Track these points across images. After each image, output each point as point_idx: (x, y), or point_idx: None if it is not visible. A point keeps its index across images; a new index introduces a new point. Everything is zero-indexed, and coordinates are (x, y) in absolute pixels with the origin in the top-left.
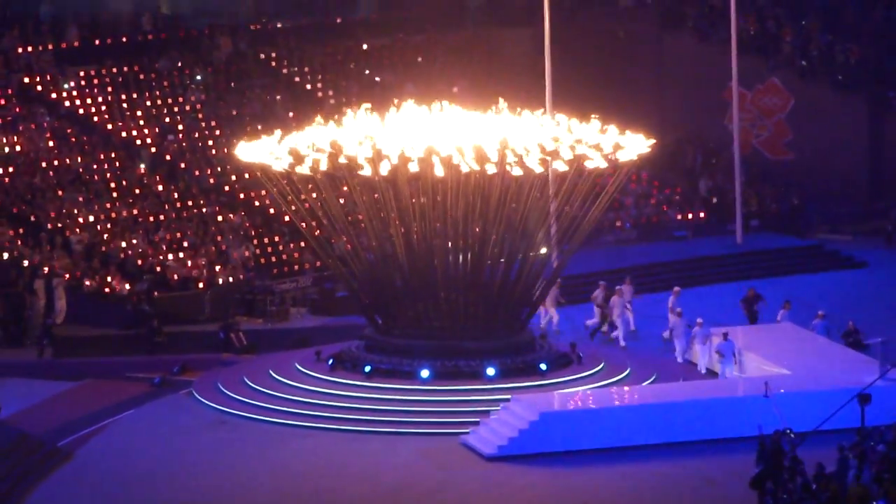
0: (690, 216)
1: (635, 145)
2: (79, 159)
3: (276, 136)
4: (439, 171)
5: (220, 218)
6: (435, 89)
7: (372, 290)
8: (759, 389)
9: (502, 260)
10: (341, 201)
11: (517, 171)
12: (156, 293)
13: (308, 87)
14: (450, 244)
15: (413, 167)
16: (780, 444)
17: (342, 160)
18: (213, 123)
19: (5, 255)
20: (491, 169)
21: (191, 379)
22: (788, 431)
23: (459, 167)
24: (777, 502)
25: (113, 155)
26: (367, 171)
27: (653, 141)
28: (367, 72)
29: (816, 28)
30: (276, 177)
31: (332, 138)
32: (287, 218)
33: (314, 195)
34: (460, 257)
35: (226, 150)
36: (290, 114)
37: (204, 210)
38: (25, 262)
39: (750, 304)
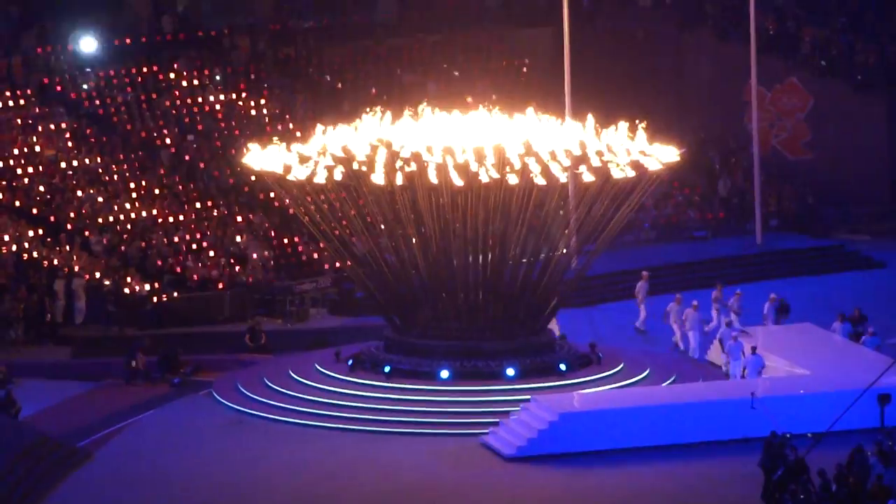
0: (710, 216)
1: (663, 154)
2: (98, 160)
3: (286, 146)
4: (458, 181)
5: (239, 218)
6: (455, 89)
7: (390, 292)
8: (779, 390)
9: (524, 261)
10: (360, 202)
11: (540, 181)
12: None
13: (328, 86)
14: (469, 245)
15: (431, 175)
16: (783, 450)
17: (355, 167)
18: (232, 123)
19: (25, 256)
20: (513, 179)
21: (208, 379)
22: (788, 436)
23: (479, 176)
24: (796, 502)
25: (132, 155)
26: (381, 180)
27: (681, 150)
28: (398, 71)
29: (838, 27)
30: (289, 185)
31: (344, 145)
32: (307, 218)
33: (332, 195)
34: (480, 258)
35: (245, 150)
36: (310, 114)
37: (223, 210)
38: (45, 263)
39: (854, 323)
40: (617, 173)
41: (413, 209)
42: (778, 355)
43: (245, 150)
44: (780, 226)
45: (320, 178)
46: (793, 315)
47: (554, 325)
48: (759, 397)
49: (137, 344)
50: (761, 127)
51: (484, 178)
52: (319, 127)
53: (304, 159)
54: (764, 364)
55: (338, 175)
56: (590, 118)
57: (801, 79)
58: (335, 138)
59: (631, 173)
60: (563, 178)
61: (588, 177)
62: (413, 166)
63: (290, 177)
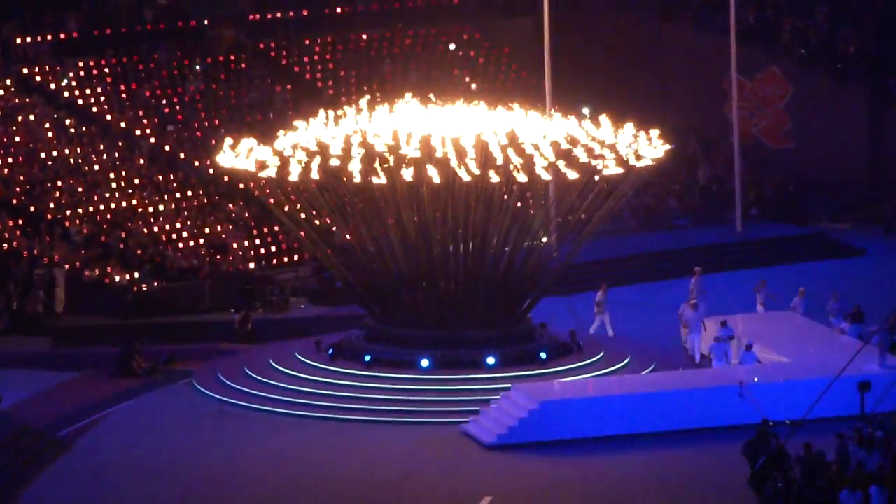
0: (690, 205)
1: (650, 150)
2: (78, 150)
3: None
4: (436, 179)
5: (219, 208)
6: (435, 80)
7: (370, 281)
8: (759, 378)
9: (507, 249)
10: (340, 191)
11: (522, 178)
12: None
13: (307, 77)
14: (450, 235)
15: (409, 173)
16: (766, 438)
17: (332, 162)
18: (212, 113)
19: (5, 246)
20: (494, 178)
21: (189, 369)
22: (771, 423)
23: (459, 175)
24: (776, 492)
25: (112, 145)
26: (357, 178)
27: (670, 146)
28: (377, 62)
29: (818, 16)
30: (264, 181)
31: (319, 140)
32: (287, 208)
33: (310, 188)
34: (461, 247)
35: (225, 140)
36: (290, 104)
37: (204, 200)
38: (25, 253)
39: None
40: (604, 170)
41: (392, 200)
42: (758, 343)
43: (221, 143)
44: (761, 214)
45: (294, 176)
46: (772, 304)
47: (607, 323)
48: (748, 384)
49: (132, 345)
50: (741, 116)
51: (465, 177)
52: (297, 122)
53: (278, 155)
54: (758, 362)
55: (314, 173)
56: (577, 114)
57: (782, 68)
58: (310, 133)
59: (618, 170)
60: (546, 175)
61: (572, 174)
62: (391, 162)
63: (263, 174)
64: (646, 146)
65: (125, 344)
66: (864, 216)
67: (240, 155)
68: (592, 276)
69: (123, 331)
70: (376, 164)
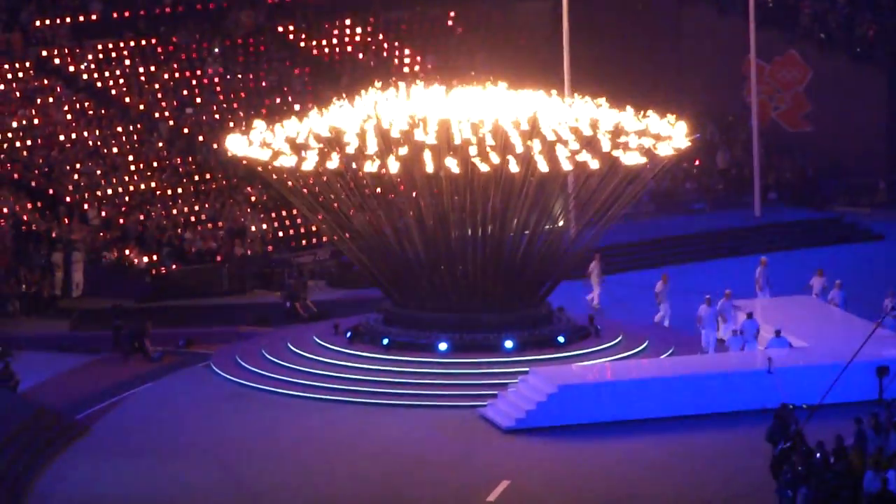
0: (709, 189)
1: (675, 138)
2: (97, 132)
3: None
4: (455, 169)
5: (237, 191)
6: (454, 63)
7: (388, 265)
8: (778, 363)
9: (526, 233)
10: (359, 174)
11: (544, 167)
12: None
13: (326, 60)
14: (468, 218)
15: (427, 160)
16: (787, 421)
17: (347, 150)
18: (230, 96)
19: (24, 229)
20: (514, 167)
21: (206, 352)
22: (791, 406)
23: (477, 166)
24: (795, 475)
25: (131, 128)
26: (373, 168)
27: (694, 135)
28: (396, 44)
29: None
30: (278, 170)
31: (333, 127)
32: (305, 191)
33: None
34: (479, 231)
35: (244, 123)
36: (308, 87)
37: (222, 183)
38: (44, 236)
39: None
40: (626, 160)
41: (409, 186)
42: (775, 327)
43: (238, 126)
44: (779, 198)
45: (309, 165)
46: (790, 287)
47: (665, 314)
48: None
49: (141, 329)
50: (760, 99)
51: (483, 168)
52: (314, 108)
53: (292, 145)
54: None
55: (331, 164)
56: (602, 101)
57: (801, 51)
58: (325, 121)
59: (641, 159)
60: (567, 165)
61: (594, 164)
62: (406, 150)
63: (276, 163)
64: (671, 134)
65: (115, 326)
66: (883, 200)
67: (253, 143)
68: (611, 259)
69: (135, 314)
70: (392, 153)
